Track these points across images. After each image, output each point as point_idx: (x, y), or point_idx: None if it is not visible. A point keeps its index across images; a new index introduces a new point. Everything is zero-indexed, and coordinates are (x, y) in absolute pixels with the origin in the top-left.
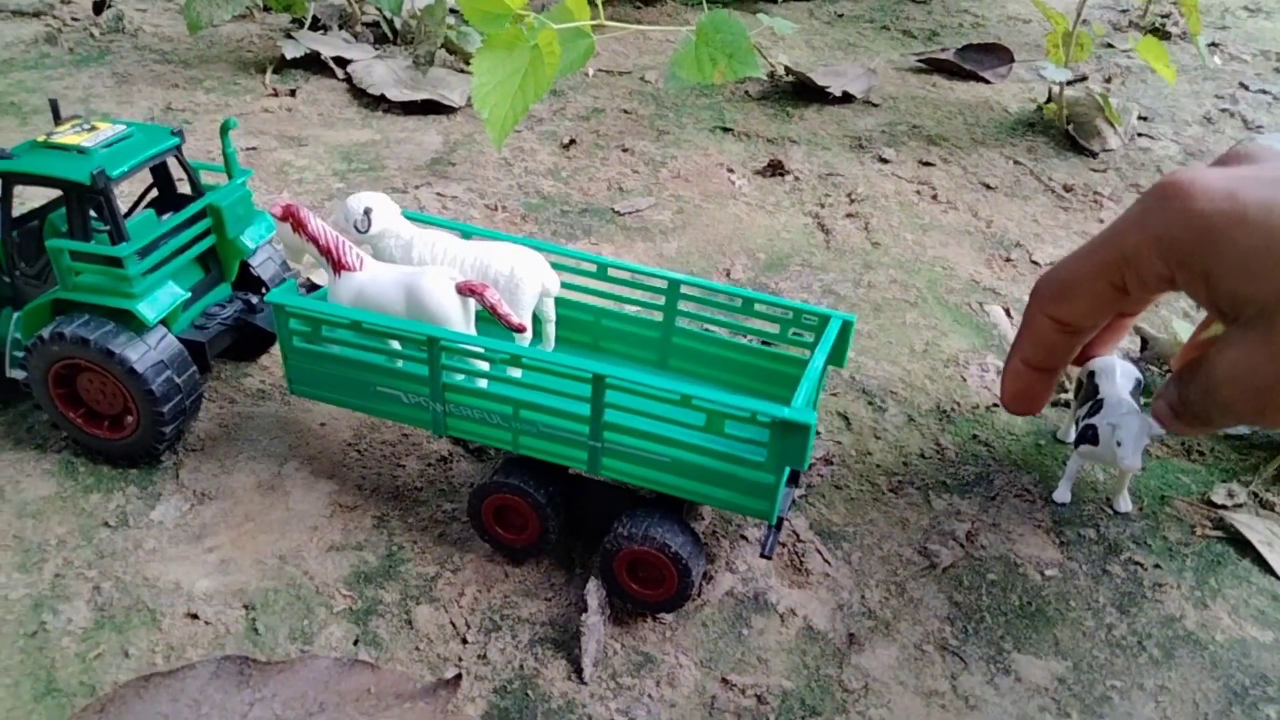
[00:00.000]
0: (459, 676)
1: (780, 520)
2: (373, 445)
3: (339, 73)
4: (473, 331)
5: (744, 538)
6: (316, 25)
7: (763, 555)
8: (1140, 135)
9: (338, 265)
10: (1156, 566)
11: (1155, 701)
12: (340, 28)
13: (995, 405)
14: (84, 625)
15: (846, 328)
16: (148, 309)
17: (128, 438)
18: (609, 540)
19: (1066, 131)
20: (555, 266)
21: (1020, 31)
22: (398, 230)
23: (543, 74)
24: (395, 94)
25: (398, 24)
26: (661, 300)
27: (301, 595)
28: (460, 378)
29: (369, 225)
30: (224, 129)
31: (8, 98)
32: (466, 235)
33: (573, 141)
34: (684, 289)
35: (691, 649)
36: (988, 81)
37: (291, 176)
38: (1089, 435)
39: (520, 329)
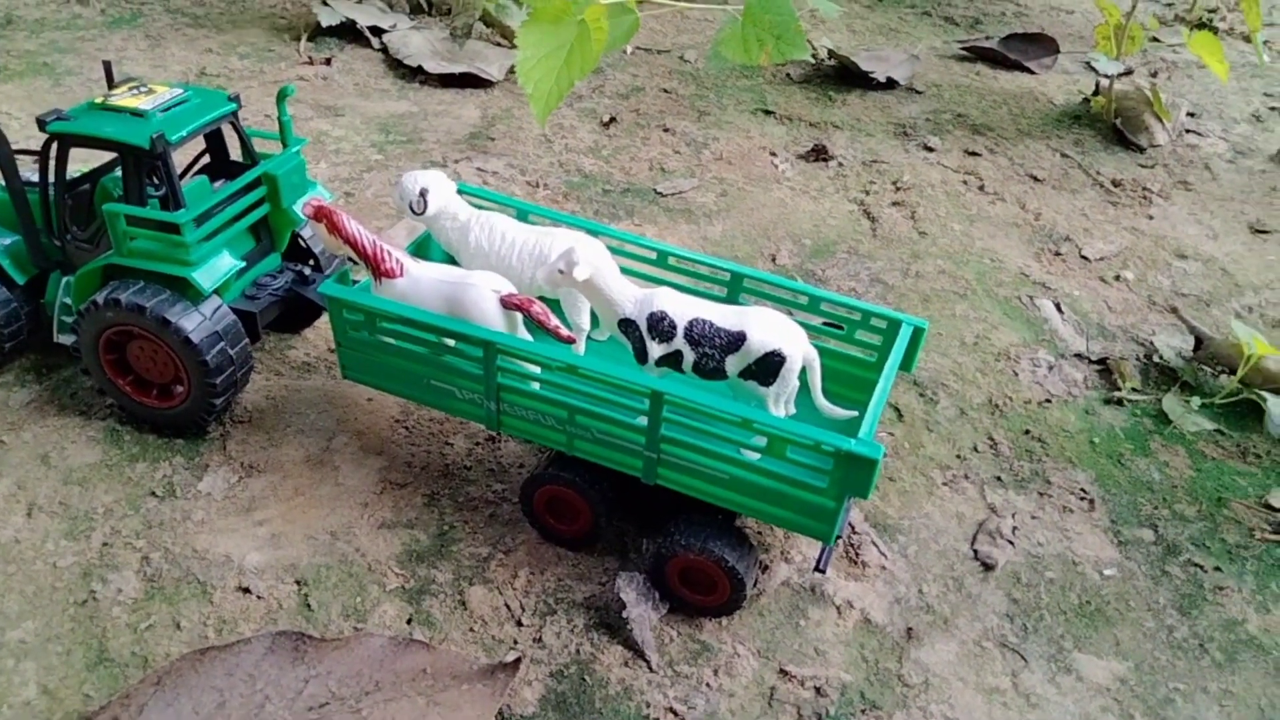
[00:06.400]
0: (519, 660)
1: (838, 537)
2: (420, 422)
3: (374, 42)
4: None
5: None
6: None
7: (817, 569)
8: (1188, 131)
9: (378, 272)
10: (1217, 569)
11: (1220, 706)
12: None
13: (1048, 401)
14: (134, 595)
15: (918, 334)
16: (203, 277)
17: (176, 407)
18: (663, 544)
19: (1114, 125)
20: (614, 252)
21: (1064, 22)
22: (454, 211)
23: (589, 49)
24: (433, 66)
25: None
26: (724, 292)
27: (354, 572)
28: (515, 380)
29: (425, 206)
30: (281, 96)
31: (40, 58)
32: (523, 215)
33: (613, 120)
34: (747, 282)
35: (748, 639)
36: (1032, 72)
37: (329, 147)
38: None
39: (570, 340)
